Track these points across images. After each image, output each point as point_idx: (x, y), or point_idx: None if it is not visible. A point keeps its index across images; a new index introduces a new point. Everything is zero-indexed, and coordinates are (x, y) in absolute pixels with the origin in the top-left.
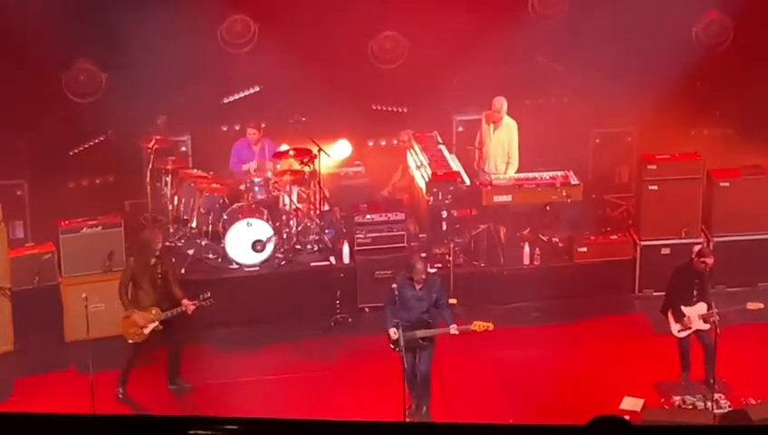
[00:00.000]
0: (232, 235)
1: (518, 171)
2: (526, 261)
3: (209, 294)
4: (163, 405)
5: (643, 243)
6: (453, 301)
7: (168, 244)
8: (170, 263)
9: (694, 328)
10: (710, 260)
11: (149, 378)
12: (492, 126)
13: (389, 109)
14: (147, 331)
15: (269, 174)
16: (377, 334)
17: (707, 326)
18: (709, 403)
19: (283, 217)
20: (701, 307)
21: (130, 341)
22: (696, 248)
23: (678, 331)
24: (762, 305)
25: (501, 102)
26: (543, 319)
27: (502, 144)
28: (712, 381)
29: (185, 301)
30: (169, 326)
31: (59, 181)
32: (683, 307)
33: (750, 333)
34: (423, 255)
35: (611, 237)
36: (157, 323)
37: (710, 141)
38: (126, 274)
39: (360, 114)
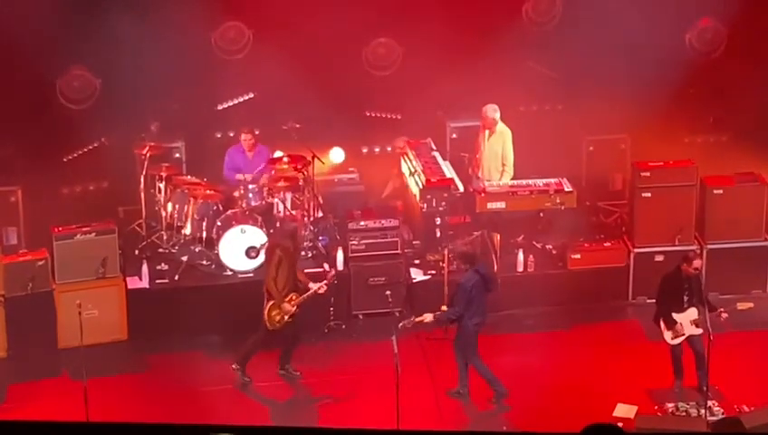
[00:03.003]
0: (226, 241)
1: (512, 178)
2: (520, 268)
3: (333, 272)
4: (165, 410)
5: (637, 250)
6: (446, 307)
7: (161, 250)
8: (300, 247)
9: (686, 334)
10: (698, 263)
11: (150, 383)
12: (486, 133)
13: (383, 115)
14: (288, 317)
15: (264, 180)
16: (371, 341)
17: (700, 331)
18: (702, 410)
19: (277, 224)
20: (692, 313)
21: (270, 328)
22: (684, 254)
23: (671, 338)
24: (752, 305)
25: (492, 110)
26: (537, 326)
27: (495, 152)
28: (705, 387)
29: (311, 284)
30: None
31: (53, 188)
32: (674, 314)
33: (743, 340)
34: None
35: (605, 244)
36: (296, 308)
37: (704, 148)
38: (274, 266)
39: (353, 121)
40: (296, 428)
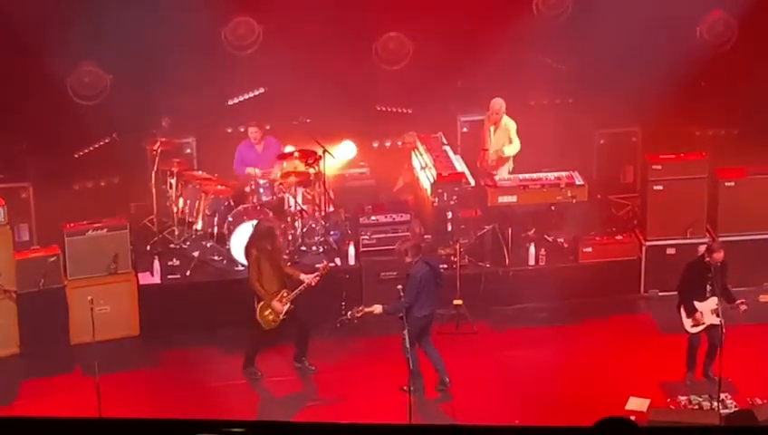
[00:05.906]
0: (237, 236)
1: (523, 171)
2: (531, 262)
3: (326, 263)
4: (177, 406)
5: (648, 243)
6: (458, 301)
7: (173, 246)
8: (280, 245)
9: (707, 323)
10: (719, 255)
11: (162, 379)
12: (492, 127)
13: (394, 110)
14: (283, 315)
15: (275, 174)
16: (382, 336)
17: (720, 321)
18: (715, 403)
19: (288, 219)
20: (713, 302)
21: (266, 328)
22: (705, 245)
23: (691, 326)
24: None
25: (499, 104)
26: (549, 320)
27: (501, 146)
28: (710, 374)
29: (303, 276)
30: (295, 307)
31: (64, 184)
32: (696, 302)
33: (756, 332)
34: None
35: (617, 238)
36: (290, 305)
37: (715, 141)
38: (254, 267)
39: (364, 115)
40: (308, 423)
